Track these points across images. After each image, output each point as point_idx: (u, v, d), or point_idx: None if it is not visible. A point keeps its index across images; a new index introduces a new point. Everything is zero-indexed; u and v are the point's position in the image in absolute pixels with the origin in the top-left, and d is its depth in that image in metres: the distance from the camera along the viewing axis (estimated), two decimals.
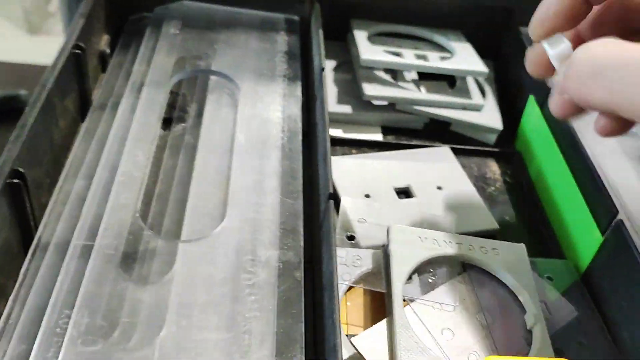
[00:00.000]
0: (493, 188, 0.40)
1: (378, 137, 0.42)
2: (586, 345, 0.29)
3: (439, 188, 0.38)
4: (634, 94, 0.21)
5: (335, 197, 0.30)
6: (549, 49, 0.25)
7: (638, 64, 0.21)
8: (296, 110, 0.38)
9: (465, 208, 0.37)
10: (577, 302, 0.31)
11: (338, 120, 0.42)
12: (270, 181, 0.32)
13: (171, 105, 0.38)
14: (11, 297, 0.26)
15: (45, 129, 0.31)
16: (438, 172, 0.39)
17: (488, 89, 0.46)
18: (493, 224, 0.36)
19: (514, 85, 0.45)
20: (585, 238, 0.33)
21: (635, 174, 0.38)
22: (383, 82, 0.42)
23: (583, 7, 0.25)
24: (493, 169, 0.41)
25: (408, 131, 0.43)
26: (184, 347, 0.24)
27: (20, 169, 0.27)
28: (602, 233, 0.31)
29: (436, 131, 0.43)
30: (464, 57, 0.44)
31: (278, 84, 0.39)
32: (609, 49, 0.22)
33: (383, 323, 0.28)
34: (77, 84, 0.36)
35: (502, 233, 0.36)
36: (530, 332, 0.29)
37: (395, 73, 0.44)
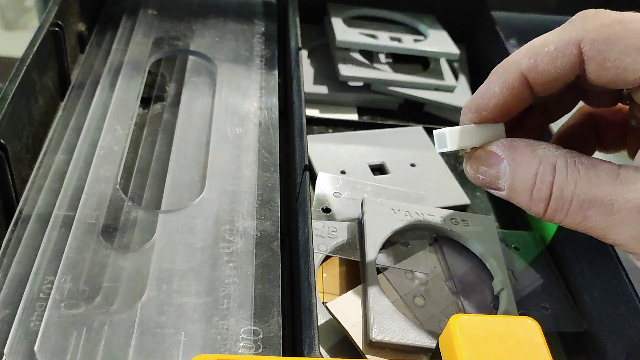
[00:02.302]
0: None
1: (354, 117, 0.43)
2: (550, 309, 0.30)
3: (413, 165, 0.39)
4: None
5: (310, 170, 0.31)
6: (435, 142, 0.25)
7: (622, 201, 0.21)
8: (273, 89, 0.39)
9: (438, 184, 0.38)
10: (542, 270, 0.33)
11: (314, 101, 0.43)
12: (248, 156, 0.33)
13: (150, 86, 0.39)
14: None
15: (25, 104, 0.31)
16: (412, 151, 0.40)
17: (461, 71, 0.47)
18: (464, 199, 0.37)
19: (485, 67, 0.46)
20: None
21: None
22: (358, 64, 0.43)
23: (528, 102, 0.24)
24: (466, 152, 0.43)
25: (383, 112, 0.44)
26: (165, 311, 0.25)
27: (2, 141, 0.27)
28: None
29: (410, 112, 0.45)
30: (436, 40, 0.45)
31: (255, 64, 0.40)
32: (580, 183, 0.22)
33: (357, 289, 0.29)
34: (55, 63, 0.36)
35: (472, 207, 0.37)
36: (497, 297, 0.30)
37: (371, 55, 0.45)
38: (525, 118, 0.28)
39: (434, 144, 0.25)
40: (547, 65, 0.23)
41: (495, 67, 0.25)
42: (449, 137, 0.24)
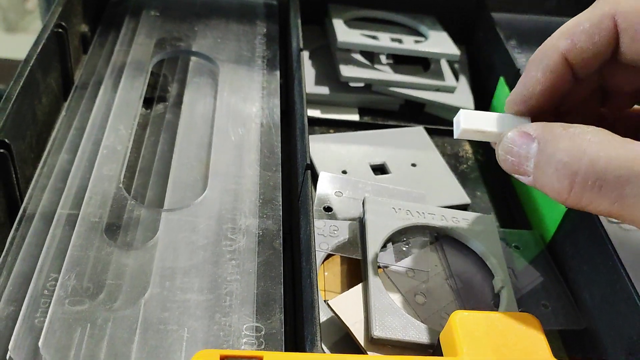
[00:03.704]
0: (465, 166, 0.41)
1: (355, 117, 0.43)
2: (550, 307, 0.30)
3: (413, 165, 0.39)
4: None
5: (312, 169, 0.31)
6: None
7: None
8: (275, 90, 0.39)
9: (439, 184, 0.38)
10: (543, 269, 0.33)
11: (316, 102, 0.43)
12: (250, 155, 0.33)
13: (152, 86, 0.39)
14: None
15: (29, 104, 0.31)
16: (412, 151, 0.40)
17: (461, 72, 0.47)
18: (465, 199, 0.37)
19: (485, 68, 0.47)
20: (550, 208, 0.34)
21: None
22: (359, 65, 0.44)
23: (570, 85, 0.24)
24: (465, 148, 0.43)
25: (384, 112, 0.45)
26: (168, 307, 0.25)
27: (6, 140, 0.28)
28: None
29: (411, 112, 0.45)
30: (437, 41, 0.46)
31: (257, 65, 0.40)
32: (614, 154, 0.19)
33: (359, 287, 0.29)
34: (59, 63, 0.36)
35: (473, 207, 0.38)
36: (497, 295, 0.30)
37: (372, 56, 0.45)
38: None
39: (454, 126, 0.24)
40: (585, 42, 0.23)
41: (532, 56, 0.24)
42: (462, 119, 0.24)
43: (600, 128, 0.21)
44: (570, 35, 0.23)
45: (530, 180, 0.22)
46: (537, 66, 0.24)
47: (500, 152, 0.23)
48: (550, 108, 0.24)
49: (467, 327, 0.23)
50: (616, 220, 0.32)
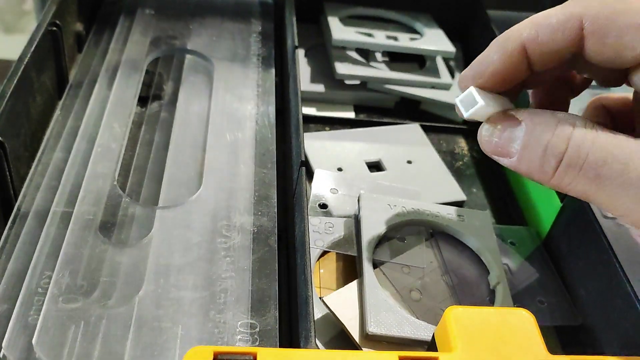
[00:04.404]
0: (461, 163, 0.41)
1: (350, 115, 0.43)
2: (546, 303, 0.30)
3: (409, 162, 0.39)
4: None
5: (307, 167, 0.31)
6: (461, 108, 0.24)
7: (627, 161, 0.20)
8: (270, 87, 0.39)
9: (434, 180, 0.38)
10: (538, 265, 0.33)
11: (311, 99, 0.43)
12: (245, 153, 0.33)
13: (147, 85, 0.39)
14: None
15: (23, 102, 0.31)
16: (408, 148, 0.40)
17: (457, 70, 0.47)
18: (460, 195, 0.37)
19: None
20: (546, 205, 0.34)
21: None
22: (355, 62, 0.44)
23: (525, 74, 0.24)
24: (461, 145, 0.43)
25: (379, 110, 0.45)
26: (162, 304, 0.25)
27: (0, 138, 0.28)
28: (561, 199, 0.33)
29: (407, 110, 0.45)
30: (433, 38, 0.46)
31: (252, 63, 0.40)
32: (596, 138, 0.21)
33: (354, 284, 0.29)
34: (53, 62, 0.36)
35: (469, 204, 0.38)
36: (493, 291, 0.30)
37: (367, 54, 0.45)
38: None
39: (460, 107, 0.24)
40: (548, 37, 0.23)
41: (497, 37, 0.25)
42: (477, 95, 0.23)
43: (580, 115, 0.23)
44: (536, 26, 0.23)
45: (513, 161, 0.23)
46: (497, 48, 0.24)
47: (484, 133, 0.24)
48: (502, 90, 0.25)
49: (461, 322, 0.23)
50: (612, 216, 0.33)
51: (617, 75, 0.26)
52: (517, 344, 0.23)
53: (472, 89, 0.24)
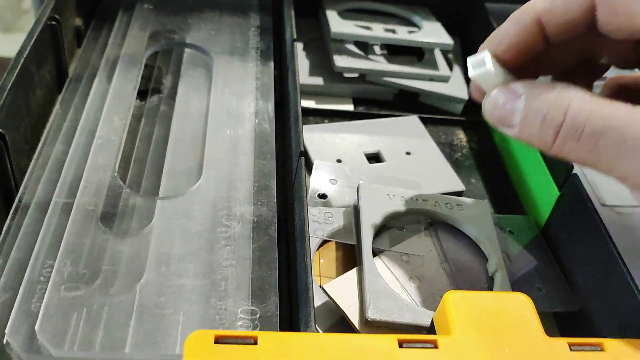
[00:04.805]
0: (459, 154, 0.42)
1: (349, 108, 0.44)
2: (544, 290, 0.31)
3: (408, 153, 0.39)
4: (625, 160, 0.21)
5: (306, 156, 0.31)
6: (470, 66, 0.25)
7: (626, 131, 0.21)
8: (269, 80, 0.39)
9: (433, 171, 0.38)
10: (536, 253, 0.33)
11: (310, 92, 0.43)
12: (244, 144, 0.33)
13: (147, 79, 0.39)
14: None
15: (23, 95, 0.31)
16: (407, 139, 0.40)
17: (455, 63, 0.47)
18: (459, 186, 0.38)
19: None
20: (544, 194, 0.34)
21: None
22: (353, 55, 0.44)
23: (541, 47, 0.25)
24: (460, 136, 0.43)
25: (378, 102, 0.45)
26: (164, 292, 0.25)
27: (1, 130, 0.28)
28: (559, 188, 0.33)
29: (405, 102, 0.45)
30: (431, 31, 0.46)
31: (251, 56, 0.40)
32: (593, 108, 0.22)
33: (353, 272, 0.29)
34: (53, 56, 0.36)
35: (467, 194, 0.38)
36: (492, 278, 0.30)
37: (366, 47, 0.46)
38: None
39: (469, 65, 0.25)
40: (561, 8, 0.24)
41: (514, 12, 0.25)
42: (488, 59, 0.24)
43: (579, 87, 0.23)
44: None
45: (515, 132, 0.24)
46: (512, 20, 0.25)
47: (487, 106, 0.25)
48: (519, 65, 0.25)
49: (460, 306, 0.23)
50: (609, 204, 0.33)
51: (634, 54, 0.26)
52: (515, 327, 0.23)
53: (486, 52, 0.24)
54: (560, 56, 0.27)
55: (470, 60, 0.25)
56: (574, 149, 0.22)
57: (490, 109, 0.25)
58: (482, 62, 0.24)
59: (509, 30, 0.25)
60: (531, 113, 0.23)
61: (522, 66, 0.26)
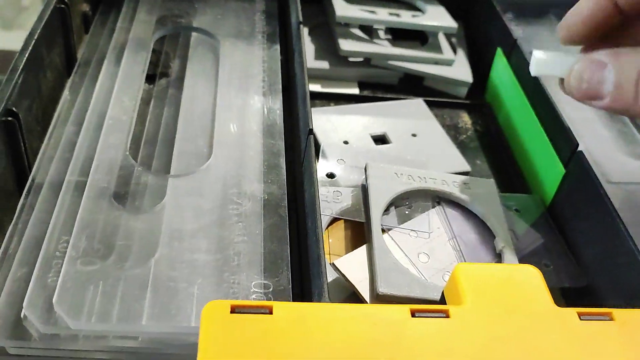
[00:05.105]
0: (464, 136, 0.42)
1: (355, 91, 0.44)
2: (551, 266, 0.31)
3: (414, 135, 0.40)
4: None
5: (313, 134, 0.31)
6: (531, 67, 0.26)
7: None
8: (275, 63, 0.39)
9: (439, 152, 0.39)
10: (543, 230, 0.33)
11: (316, 76, 0.44)
12: (253, 125, 0.34)
13: (154, 63, 0.39)
14: (8, 231, 0.27)
15: (34, 76, 0.32)
16: (412, 121, 0.41)
17: (459, 47, 0.48)
18: (465, 166, 0.38)
19: (482, 40, 0.47)
20: (549, 172, 0.35)
21: (592, 110, 0.40)
22: (358, 39, 0.44)
23: (616, 20, 0.25)
24: (465, 119, 0.43)
25: (383, 86, 0.45)
26: (177, 267, 0.25)
27: (14, 109, 0.28)
28: (565, 165, 0.33)
29: (410, 86, 0.45)
30: (434, 15, 0.46)
31: (257, 40, 0.41)
32: None
33: (363, 248, 0.30)
34: (62, 39, 0.37)
35: (473, 175, 0.38)
36: (499, 255, 0.31)
37: (370, 32, 0.46)
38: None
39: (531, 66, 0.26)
40: None
41: None
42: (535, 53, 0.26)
43: None
44: None
45: (606, 102, 0.24)
46: None
47: (572, 81, 0.25)
48: (595, 37, 0.26)
49: (470, 278, 0.24)
50: (615, 180, 0.33)
51: None
52: (524, 297, 0.23)
53: (534, 53, 0.26)
54: (636, 28, 0.27)
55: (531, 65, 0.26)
56: None
57: (577, 85, 0.24)
58: (535, 59, 0.26)
59: (582, 7, 0.25)
60: (623, 79, 0.23)
61: (600, 41, 0.26)
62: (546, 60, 0.26)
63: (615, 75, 0.23)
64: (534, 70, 0.26)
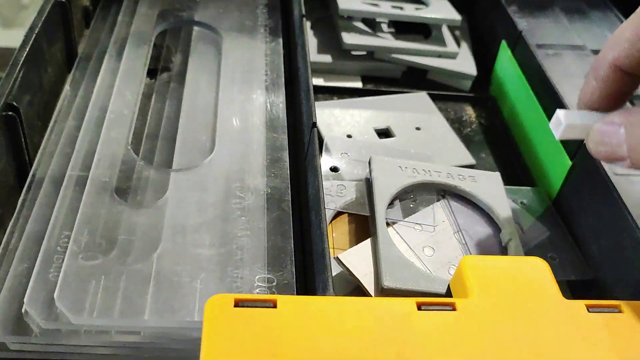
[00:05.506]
0: (469, 129, 0.42)
1: (358, 85, 0.44)
2: (558, 259, 0.31)
3: (418, 129, 0.39)
4: None
5: (317, 127, 0.31)
6: (553, 131, 0.25)
7: None
8: (278, 56, 0.39)
9: (443, 145, 0.38)
10: (549, 224, 0.33)
11: (319, 70, 0.43)
12: (256, 119, 0.33)
13: (156, 58, 0.39)
14: (9, 227, 0.27)
15: (35, 71, 0.31)
16: (416, 115, 0.40)
17: (463, 39, 0.47)
18: (470, 159, 0.38)
19: (486, 33, 0.47)
20: (555, 165, 0.34)
21: None
22: (361, 32, 0.44)
23: (630, 84, 0.25)
24: (469, 112, 0.43)
25: (387, 79, 0.45)
26: (181, 261, 0.25)
27: (15, 103, 0.28)
28: (571, 158, 0.33)
29: (414, 79, 0.45)
30: (438, 7, 0.46)
31: (260, 34, 0.40)
32: None
33: (367, 242, 0.29)
34: (63, 34, 0.36)
35: (478, 168, 0.38)
36: (505, 248, 0.31)
37: (374, 25, 0.45)
38: None
39: (553, 131, 0.25)
40: (631, 50, 0.24)
41: (592, 64, 0.26)
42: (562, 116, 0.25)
43: None
44: (616, 44, 0.24)
45: (628, 163, 0.23)
46: (594, 75, 0.25)
47: (590, 145, 0.25)
48: (618, 105, 0.25)
49: (477, 270, 0.23)
50: (621, 172, 0.33)
51: None
52: (532, 289, 0.23)
53: (558, 112, 0.25)
54: None
55: (551, 125, 0.25)
56: None
57: (595, 148, 0.24)
58: (559, 122, 0.25)
59: (594, 86, 0.25)
60: (634, 142, 0.23)
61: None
62: (571, 125, 0.25)
63: (627, 136, 0.23)
64: (558, 136, 0.25)
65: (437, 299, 0.22)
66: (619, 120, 0.24)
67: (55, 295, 0.23)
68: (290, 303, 0.21)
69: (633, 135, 0.23)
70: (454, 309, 0.22)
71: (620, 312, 0.23)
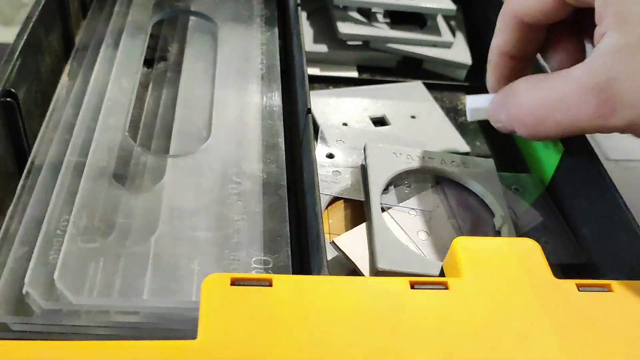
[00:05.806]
0: (464, 118, 0.42)
1: (353, 75, 0.44)
2: (550, 243, 0.31)
3: (413, 117, 0.40)
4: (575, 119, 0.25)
5: (311, 113, 0.31)
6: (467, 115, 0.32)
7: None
8: (274, 46, 0.39)
9: (438, 133, 0.39)
10: (542, 209, 0.33)
11: (315, 60, 0.44)
12: (252, 107, 0.34)
13: (152, 48, 0.39)
14: (9, 212, 0.27)
15: (33, 59, 0.32)
16: (411, 103, 0.41)
17: (458, 29, 0.48)
18: (464, 147, 0.38)
19: (482, 23, 0.47)
20: (548, 151, 0.35)
21: None
22: (357, 22, 0.44)
23: (516, 67, 0.29)
24: (464, 101, 0.43)
25: (382, 69, 0.45)
26: (178, 244, 0.25)
27: (13, 90, 0.28)
28: (564, 144, 0.33)
29: (409, 69, 0.45)
30: None
31: (256, 23, 0.41)
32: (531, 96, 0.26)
33: (362, 226, 0.30)
34: (60, 23, 0.37)
35: (472, 155, 0.38)
36: (499, 232, 0.31)
37: (369, 15, 0.46)
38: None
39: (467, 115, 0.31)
40: (510, 36, 0.28)
41: (498, 20, 0.29)
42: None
43: (531, 76, 0.27)
44: (498, 32, 0.29)
45: (518, 132, 0.28)
46: (488, 62, 0.30)
47: (492, 123, 0.30)
48: (528, 58, 0.29)
49: (469, 251, 0.24)
50: (614, 158, 0.33)
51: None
52: (523, 269, 0.23)
53: (467, 97, 0.32)
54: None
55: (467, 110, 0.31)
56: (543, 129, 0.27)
57: (495, 125, 0.30)
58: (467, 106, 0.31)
59: (489, 73, 0.29)
60: (510, 113, 0.28)
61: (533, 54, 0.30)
62: (475, 108, 0.31)
63: (504, 111, 0.28)
64: (468, 118, 0.31)
65: (430, 278, 0.23)
66: (498, 99, 0.28)
67: (55, 276, 0.23)
68: (286, 282, 0.22)
69: (508, 109, 0.28)
70: (447, 288, 0.22)
71: (610, 291, 0.23)
